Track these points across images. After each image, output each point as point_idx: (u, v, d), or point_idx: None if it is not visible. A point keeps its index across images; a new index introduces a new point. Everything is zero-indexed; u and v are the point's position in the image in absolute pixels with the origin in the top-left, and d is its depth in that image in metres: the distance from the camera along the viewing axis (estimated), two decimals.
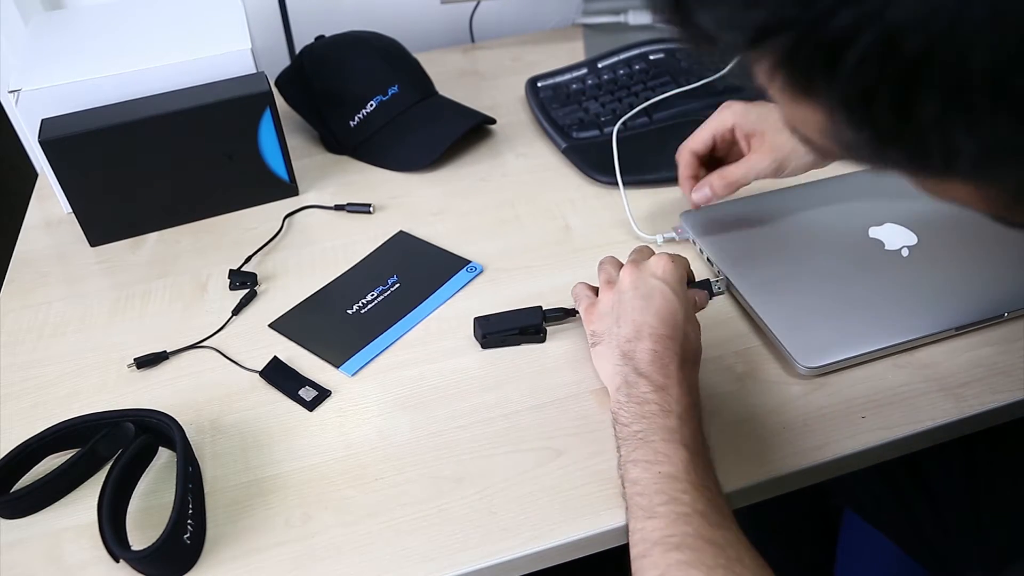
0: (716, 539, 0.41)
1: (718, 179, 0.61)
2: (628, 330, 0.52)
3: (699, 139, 0.63)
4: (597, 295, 0.58)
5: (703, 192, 0.61)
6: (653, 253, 0.57)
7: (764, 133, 0.59)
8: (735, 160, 0.64)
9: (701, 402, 0.51)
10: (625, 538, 0.51)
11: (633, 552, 0.43)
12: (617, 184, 0.77)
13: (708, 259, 0.67)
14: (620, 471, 0.48)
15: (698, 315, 0.60)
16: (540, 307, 0.63)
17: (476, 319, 0.63)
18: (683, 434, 0.47)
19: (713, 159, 0.67)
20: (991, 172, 0.28)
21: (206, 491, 0.54)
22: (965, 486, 0.68)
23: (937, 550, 0.67)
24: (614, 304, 0.54)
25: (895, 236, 0.66)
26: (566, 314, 0.62)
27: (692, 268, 0.58)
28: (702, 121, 0.82)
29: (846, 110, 0.27)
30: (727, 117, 0.62)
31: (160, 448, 0.57)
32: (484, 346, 0.62)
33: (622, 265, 0.57)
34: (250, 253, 0.74)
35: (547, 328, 0.63)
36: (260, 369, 0.62)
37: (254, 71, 0.79)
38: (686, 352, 0.52)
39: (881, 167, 0.30)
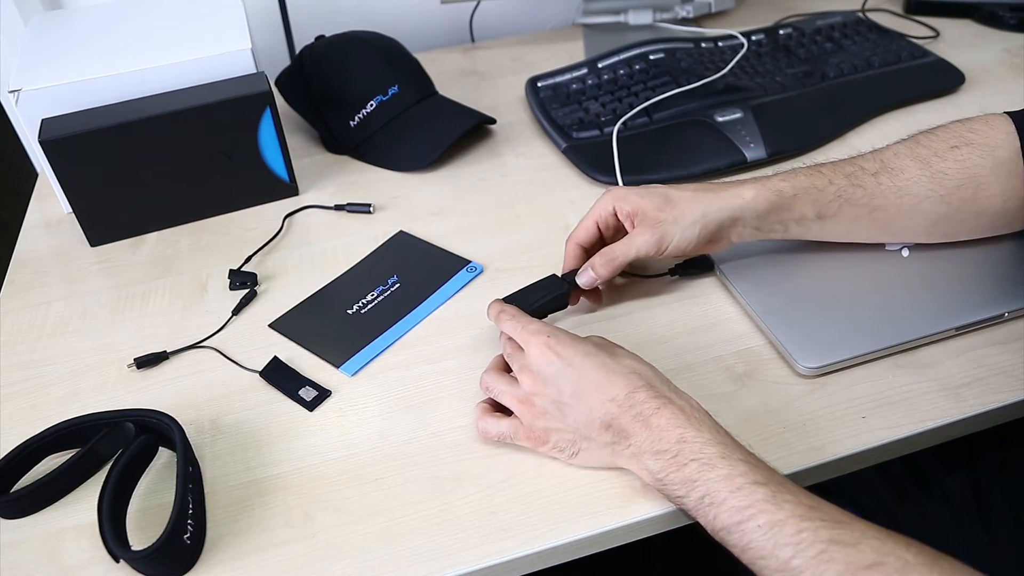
0: (867, 551, 0.40)
1: (599, 259, 0.61)
2: (586, 420, 0.50)
3: (582, 229, 0.64)
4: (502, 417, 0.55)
5: (588, 275, 0.61)
6: (505, 347, 0.56)
7: (645, 211, 0.60)
8: None
9: (699, 403, 0.50)
10: (625, 538, 0.51)
11: None
12: (617, 184, 0.77)
13: (707, 257, 0.67)
14: (716, 537, 0.45)
15: (698, 315, 0.60)
16: (556, 275, 0.62)
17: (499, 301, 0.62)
18: (739, 469, 0.44)
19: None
20: None
21: (206, 491, 0.54)
22: (966, 486, 0.68)
23: (937, 550, 0.66)
24: (544, 411, 0.52)
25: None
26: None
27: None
28: (702, 121, 0.83)
29: None
30: (606, 202, 0.63)
31: (160, 448, 0.56)
32: None
33: (504, 363, 0.56)
34: (250, 253, 0.74)
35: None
36: (260, 369, 0.62)
37: (254, 71, 0.79)
38: (647, 381, 0.50)
39: None
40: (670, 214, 0.60)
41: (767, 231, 0.62)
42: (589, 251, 0.64)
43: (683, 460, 0.46)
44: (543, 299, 0.61)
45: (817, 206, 0.61)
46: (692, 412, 0.48)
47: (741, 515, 0.43)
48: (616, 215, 0.62)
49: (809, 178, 0.61)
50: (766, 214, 0.60)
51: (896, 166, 0.61)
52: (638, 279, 0.67)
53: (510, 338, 0.56)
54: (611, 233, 0.64)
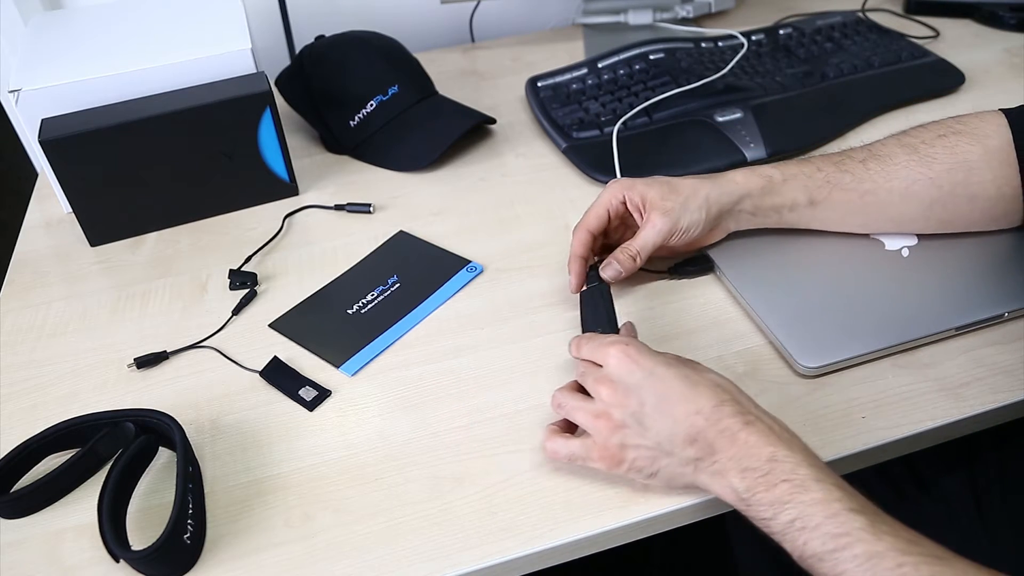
0: None
1: (621, 253, 0.62)
2: (669, 433, 0.47)
3: (593, 216, 0.64)
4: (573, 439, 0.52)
5: (613, 267, 0.62)
6: (592, 348, 0.53)
7: (653, 199, 0.62)
8: (629, 238, 0.64)
9: (785, 423, 0.48)
10: (625, 538, 0.51)
11: None
12: None
13: (707, 257, 0.67)
14: (802, 563, 0.43)
15: (698, 315, 0.60)
16: (596, 285, 0.62)
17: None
18: (834, 495, 0.42)
19: (605, 246, 0.67)
20: None
21: (206, 491, 0.54)
22: (965, 486, 0.68)
23: None
24: (623, 425, 0.49)
25: (895, 236, 0.66)
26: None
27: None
28: (702, 121, 0.83)
29: None
30: (615, 190, 0.63)
31: (160, 448, 0.57)
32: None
33: (578, 387, 0.53)
34: (250, 253, 0.74)
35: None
36: (260, 369, 0.62)
37: (254, 71, 0.79)
38: (732, 396, 0.48)
39: None
40: (676, 200, 0.62)
41: (763, 217, 0.64)
42: (597, 239, 0.64)
43: (773, 480, 0.44)
44: (608, 307, 0.60)
45: (808, 191, 0.63)
46: (781, 431, 0.46)
47: (836, 543, 0.41)
48: (625, 204, 0.63)
49: (798, 166, 0.64)
50: (760, 196, 0.63)
51: (884, 153, 0.63)
52: (640, 273, 0.67)
53: (583, 359, 0.54)
54: (617, 223, 0.65)
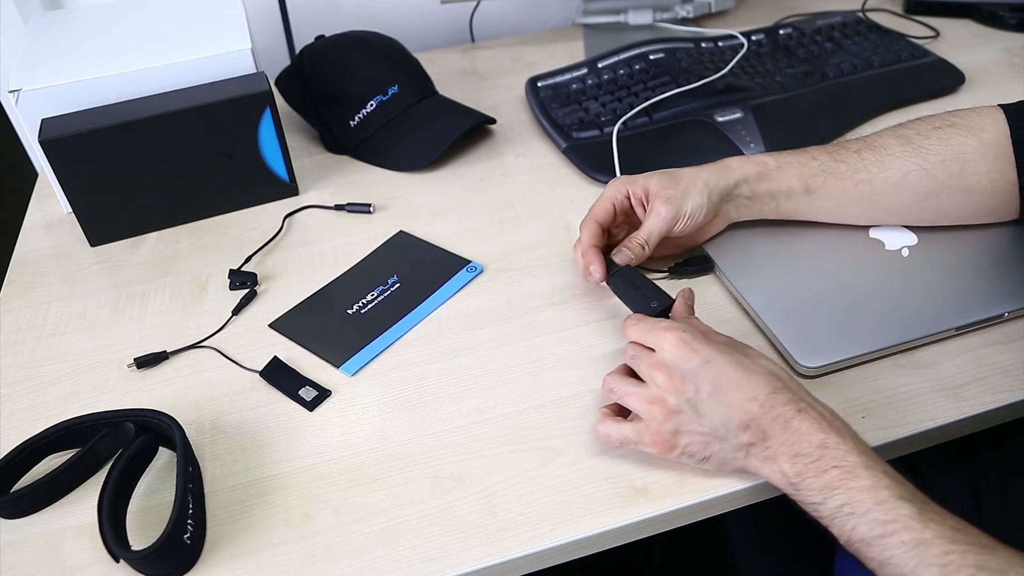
0: None
1: (631, 242, 0.63)
2: (724, 419, 0.48)
3: (600, 209, 0.64)
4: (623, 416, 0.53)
5: (624, 255, 0.62)
6: (643, 330, 0.53)
7: (656, 190, 0.63)
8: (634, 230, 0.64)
9: (835, 411, 0.48)
10: (625, 538, 0.51)
11: None
12: None
13: (707, 256, 0.67)
14: (849, 547, 0.44)
15: (698, 314, 0.60)
16: (627, 268, 0.61)
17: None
18: (883, 482, 0.43)
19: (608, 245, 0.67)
20: None
21: (206, 491, 0.54)
22: (965, 486, 0.68)
23: None
24: (678, 410, 0.49)
25: (895, 236, 0.66)
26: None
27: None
28: (702, 121, 0.83)
29: None
30: (618, 186, 0.64)
31: (160, 448, 0.57)
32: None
33: (629, 371, 0.54)
34: (250, 253, 0.74)
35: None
36: (260, 369, 0.62)
37: (254, 71, 0.79)
38: (785, 383, 0.49)
39: None
40: (677, 188, 0.63)
41: (760, 204, 0.65)
42: (605, 232, 0.64)
43: (824, 466, 0.45)
44: (647, 282, 0.60)
45: (803, 179, 0.64)
46: (832, 419, 0.47)
47: (884, 529, 0.42)
48: (629, 198, 0.64)
49: (793, 155, 0.65)
50: (756, 182, 0.64)
51: (879, 144, 0.64)
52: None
53: (633, 342, 0.54)
54: (621, 219, 0.66)
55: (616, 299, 0.62)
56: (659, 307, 0.58)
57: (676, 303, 0.58)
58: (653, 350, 0.52)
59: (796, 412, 0.47)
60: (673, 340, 0.51)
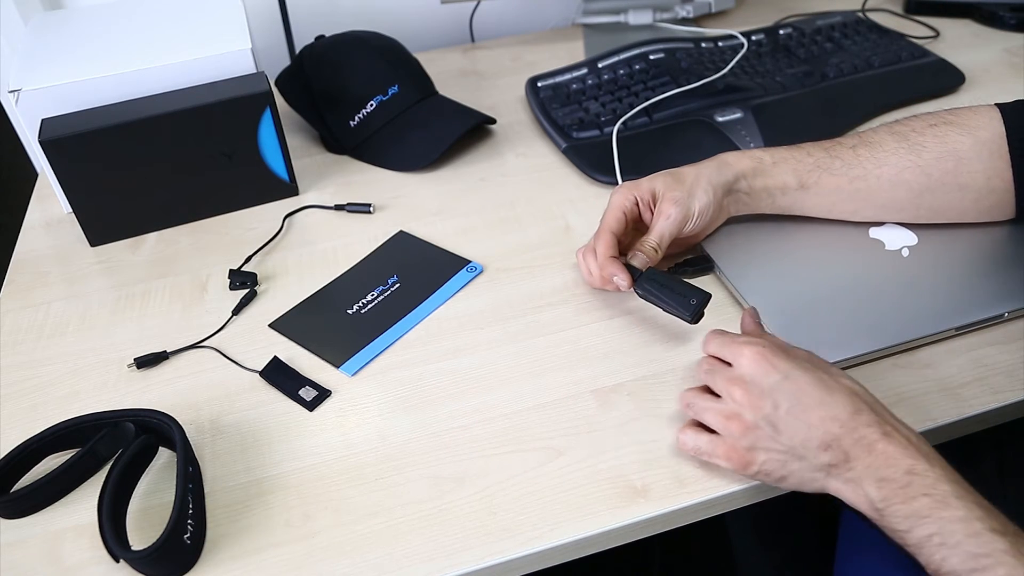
0: None
1: (643, 246, 0.63)
2: (803, 439, 0.46)
3: (612, 219, 0.64)
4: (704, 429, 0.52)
5: (639, 259, 0.62)
6: (722, 344, 0.52)
7: (662, 192, 0.63)
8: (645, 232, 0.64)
9: (919, 435, 0.47)
10: (625, 538, 0.51)
11: None
12: (617, 184, 0.77)
13: (707, 256, 0.67)
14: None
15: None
16: (651, 270, 0.61)
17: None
18: (975, 513, 0.42)
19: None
20: None
21: (206, 491, 0.54)
22: None
23: None
24: (755, 427, 0.48)
25: (895, 236, 0.66)
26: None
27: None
28: (702, 121, 0.83)
29: None
30: (625, 192, 0.64)
31: (160, 448, 0.57)
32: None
33: (707, 389, 0.52)
34: (250, 253, 0.74)
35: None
36: (260, 369, 0.62)
37: (254, 71, 0.79)
38: (868, 404, 0.47)
39: None
40: (683, 189, 0.63)
41: (757, 200, 0.65)
42: (620, 241, 0.64)
43: (912, 493, 0.43)
44: (679, 282, 0.59)
45: (798, 175, 0.64)
46: (919, 443, 0.46)
47: (976, 563, 0.40)
48: (637, 204, 0.64)
49: (789, 151, 0.65)
50: (752, 177, 0.64)
51: (874, 140, 0.64)
52: None
53: (710, 356, 0.53)
54: (632, 227, 0.65)
55: (615, 297, 0.62)
56: (699, 303, 0.58)
57: (744, 320, 0.57)
58: (730, 364, 0.51)
59: (881, 435, 0.45)
60: (751, 354, 0.49)
